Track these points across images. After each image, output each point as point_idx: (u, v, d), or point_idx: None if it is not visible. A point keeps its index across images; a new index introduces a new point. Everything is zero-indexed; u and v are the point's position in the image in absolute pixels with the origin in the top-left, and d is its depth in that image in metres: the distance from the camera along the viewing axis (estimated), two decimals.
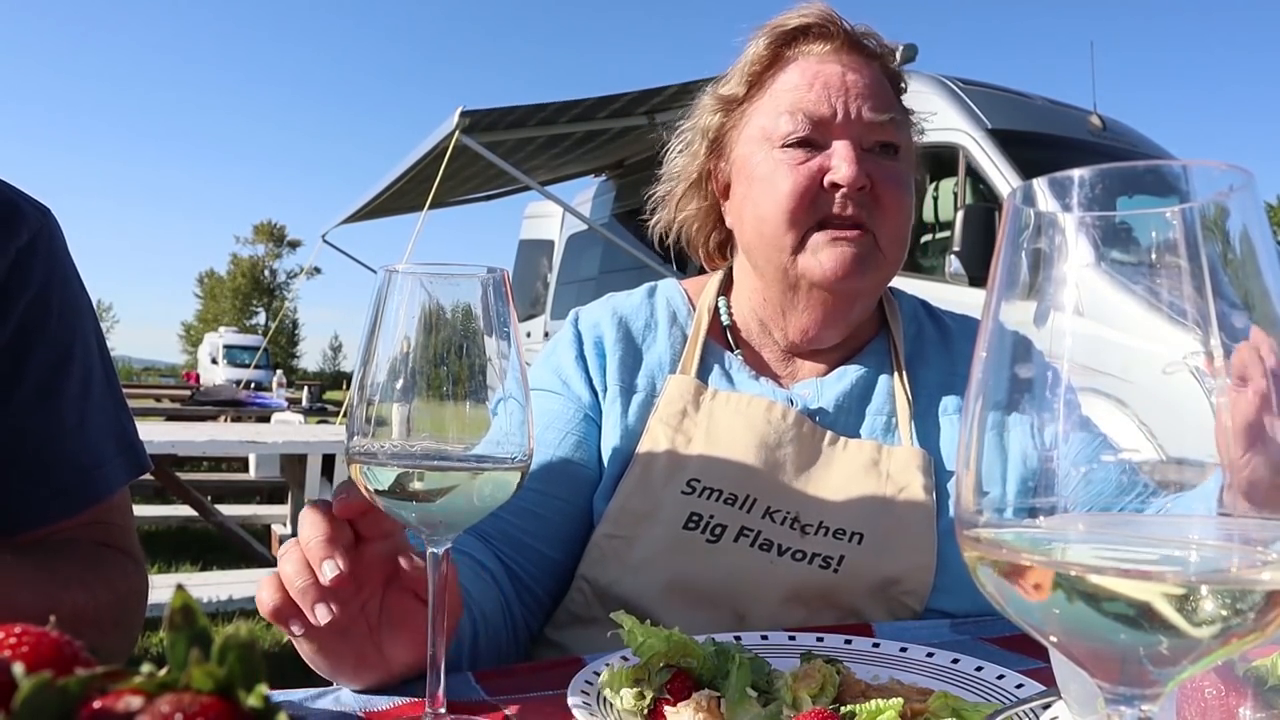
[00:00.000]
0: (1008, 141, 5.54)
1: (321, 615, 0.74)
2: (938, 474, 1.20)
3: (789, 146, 1.19)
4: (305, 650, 0.82)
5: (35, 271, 1.05)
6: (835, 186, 1.17)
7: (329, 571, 0.73)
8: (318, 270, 58.23)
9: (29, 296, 1.04)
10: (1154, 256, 0.37)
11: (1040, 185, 0.40)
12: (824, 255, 1.18)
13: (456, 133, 7.16)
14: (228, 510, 5.95)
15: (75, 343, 1.09)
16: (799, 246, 1.19)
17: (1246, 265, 0.37)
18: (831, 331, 1.26)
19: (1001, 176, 5.33)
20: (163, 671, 0.30)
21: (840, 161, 1.16)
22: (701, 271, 1.43)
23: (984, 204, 5.30)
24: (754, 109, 1.26)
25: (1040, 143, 5.71)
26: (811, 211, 1.18)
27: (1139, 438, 0.37)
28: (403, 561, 0.81)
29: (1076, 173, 0.38)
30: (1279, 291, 0.36)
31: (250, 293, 76.42)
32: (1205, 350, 0.36)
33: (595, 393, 1.24)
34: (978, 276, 5.04)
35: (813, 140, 1.19)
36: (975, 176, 5.55)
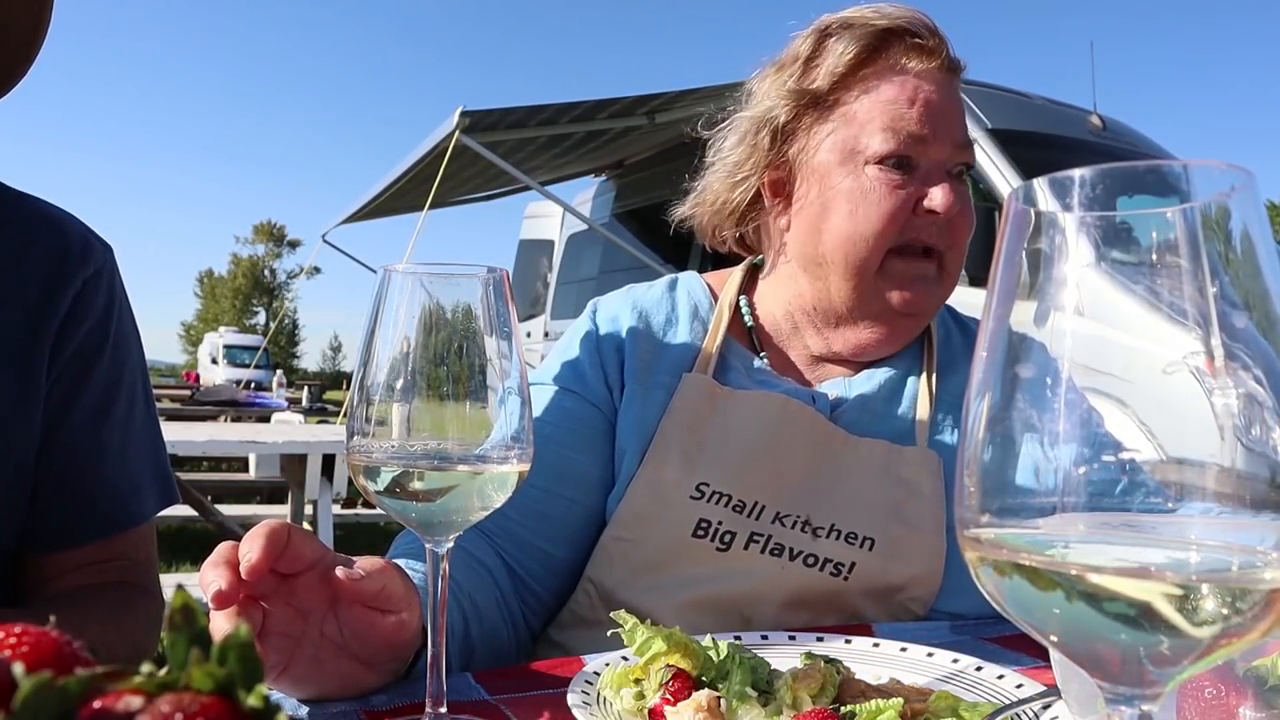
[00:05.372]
0: (1008, 141, 5.53)
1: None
2: (949, 478, 1.18)
3: (883, 164, 1.16)
4: (287, 689, 0.80)
5: (98, 301, 1.12)
6: (931, 213, 1.15)
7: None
8: (318, 270, 58.19)
9: (90, 323, 1.10)
10: (1154, 256, 0.37)
11: (1040, 185, 0.40)
12: (906, 285, 1.18)
13: (456, 133, 7.15)
14: (228, 510, 5.94)
15: (125, 372, 1.15)
16: (880, 267, 1.18)
17: (1247, 265, 0.36)
18: (887, 349, 1.26)
19: (1001, 176, 5.33)
20: (163, 671, 0.30)
21: (938, 190, 1.15)
22: (705, 266, 1.41)
23: (984, 204, 5.30)
24: (839, 113, 1.20)
25: (1040, 143, 5.70)
26: (900, 234, 1.17)
27: (1139, 438, 0.37)
28: (336, 579, 0.76)
29: (1077, 173, 0.38)
30: (1279, 291, 0.36)
31: (250, 293, 76.38)
32: (1205, 350, 0.36)
33: (610, 388, 1.21)
34: (978, 276, 5.03)
35: (909, 160, 1.16)
36: (975, 176, 5.55)
